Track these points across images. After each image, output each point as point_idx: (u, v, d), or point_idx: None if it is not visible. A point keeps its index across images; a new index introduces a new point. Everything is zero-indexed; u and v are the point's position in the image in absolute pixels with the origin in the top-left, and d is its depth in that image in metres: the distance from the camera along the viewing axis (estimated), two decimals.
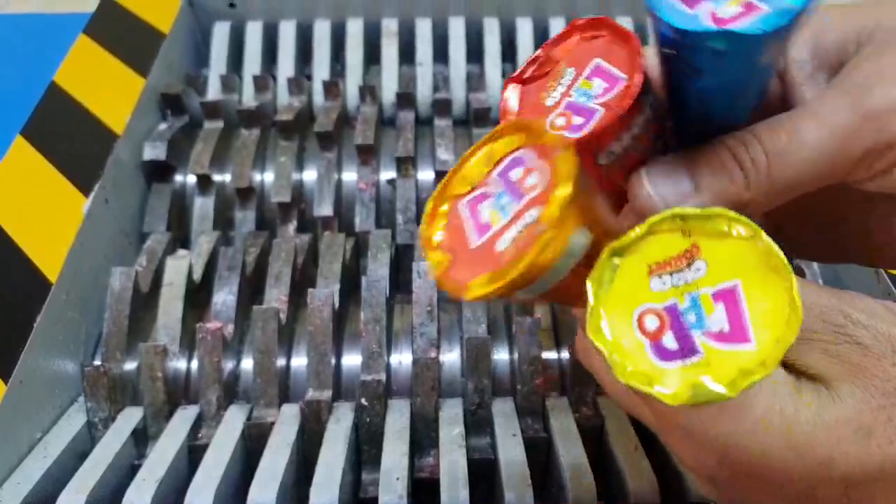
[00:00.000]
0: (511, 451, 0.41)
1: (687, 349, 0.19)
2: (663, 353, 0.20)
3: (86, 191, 0.51)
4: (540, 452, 0.43)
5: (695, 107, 0.24)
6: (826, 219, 0.30)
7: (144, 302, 0.49)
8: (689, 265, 0.20)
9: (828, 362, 0.23)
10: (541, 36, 0.70)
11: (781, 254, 0.19)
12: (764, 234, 0.19)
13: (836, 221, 0.30)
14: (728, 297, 0.19)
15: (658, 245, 0.20)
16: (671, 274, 0.20)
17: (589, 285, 0.21)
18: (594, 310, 0.21)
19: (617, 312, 0.20)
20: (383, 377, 0.45)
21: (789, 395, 0.23)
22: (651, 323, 0.20)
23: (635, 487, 0.39)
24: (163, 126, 0.61)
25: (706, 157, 0.24)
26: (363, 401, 0.44)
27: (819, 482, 0.23)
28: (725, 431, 0.23)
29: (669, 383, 0.19)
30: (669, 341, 0.20)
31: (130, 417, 0.45)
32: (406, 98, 0.64)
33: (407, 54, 0.70)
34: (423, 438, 0.45)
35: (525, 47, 0.69)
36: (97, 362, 0.47)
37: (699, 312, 0.20)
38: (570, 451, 0.41)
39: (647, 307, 0.20)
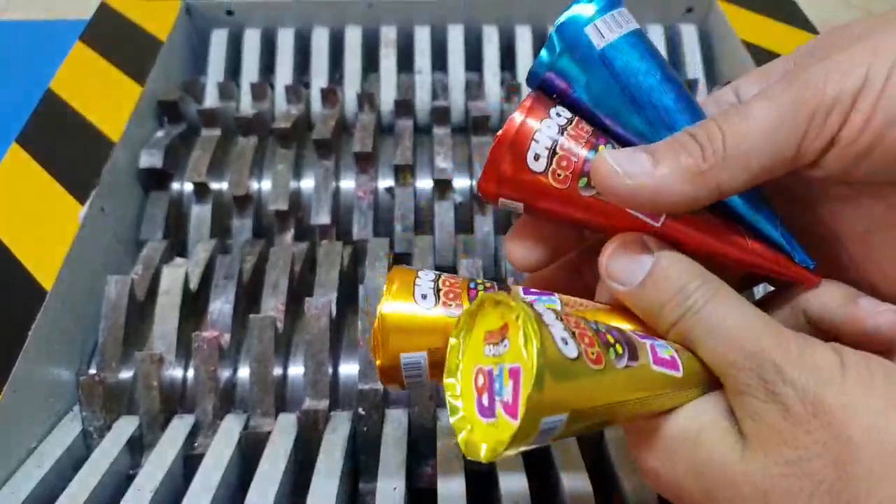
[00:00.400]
0: (509, 463, 0.41)
1: (491, 411, 0.23)
2: (481, 409, 0.23)
3: (82, 198, 0.51)
4: (539, 463, 0.43)
5: (601, 123, 0.28)
6: (815, 238, 0.30)
7: (140, 310, 0.49)
8: (502, 340, 0.23)
9: (748, 419, 0.24)
10: (540, 44, 0.70)
11: (535, 356, 0.21)
12: (533, 342, 0.21)
13: (826, 240, 0.29)
14: (515, 376, 0.22)
15: (491, 317, 0.24)
16: (493, 344, 0.24)
17: (452, 338, 0.25)
18: (453, 351, 0.25)
19: (467, 362, 0.25)
20: (381, 386, 0.44)
21: (720, 441, 0.24)
22: (480, 380, 0.24)
23: (632, 490, 0.39)
24: (160, 133, 0.61)
25: (665, 141, 0.26)
26: (361, 410, 0.44)
27: None
28: (656, 460, 0.26)
29: (475, 435, 0.23)
30: (485, 400, 0.23)
31: (126, 426, 0.45)
32: (404, 106, 0.64)
33: (406, 62, 0.70)
34: (421, 448, 0.45)
35: (524, 55, 0.69)
36: (93, 371, 0.47)
37: (501, 382, 0.23)
38: (569, 463, 0.41)
39: (479, 367, 0.24)
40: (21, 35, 0.89)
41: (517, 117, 0.27)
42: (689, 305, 0.25)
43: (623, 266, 0.26)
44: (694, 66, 0.70)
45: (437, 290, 0.29)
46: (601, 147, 0.27)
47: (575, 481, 0.40)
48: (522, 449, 0.23)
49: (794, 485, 0.22)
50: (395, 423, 0.44)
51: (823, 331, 0.27)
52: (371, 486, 0.45)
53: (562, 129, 0.27)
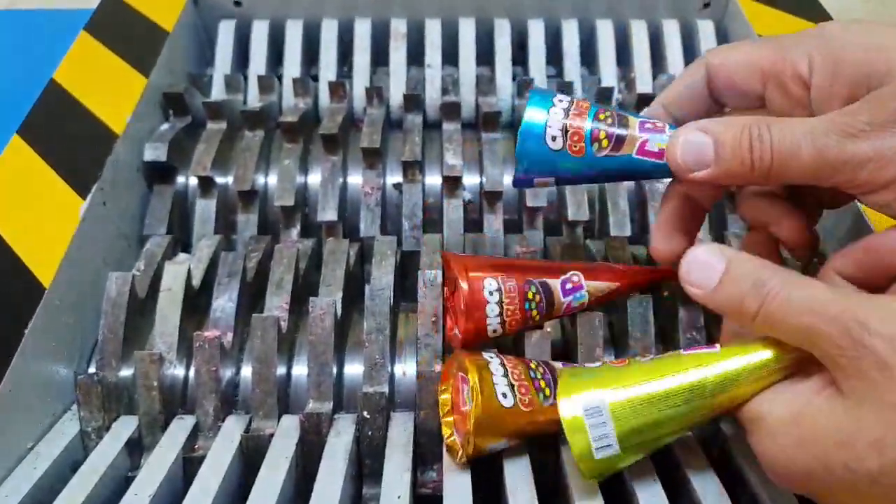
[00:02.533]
0: (518, 470, 0.40)
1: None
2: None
3: (83, 192, 0.49)
4: (548, 472, 0.42)
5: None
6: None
7: (142, 308, 0.47)
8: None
9: (846, 377, 0.26)
10: (552, 38, 0.69)
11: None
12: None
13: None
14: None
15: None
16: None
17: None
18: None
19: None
20: (386, 389, 0.43)
21: (821, 409, 0.27)
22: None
23: None
24: (165, 126, 0.60)
25: (730, 140, 0.31)
26: (365, 413, 0.43)
27: (847, 487, 0.26)
28: (756, 441, 0.30)
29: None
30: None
31: (125, 427, 0.44)
32: (413, 100, 0.62)
33: (415, 56, 0.68)
34: (426, 453, 0.44)
35: (536, 49, 0.68)
36: (92, 370, 0.46)
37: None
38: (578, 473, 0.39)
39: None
40: (27, 24, 0.88)
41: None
42: (767, 292, 0.28)
43: (700, 272, 0.31)
44: None
45: (512, 387, 0.39)
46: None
47: (584, 491, 0.39)
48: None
49: None
50: (401, 428, 0.43)
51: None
52: (375, 490, 0.43)
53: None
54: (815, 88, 0.32)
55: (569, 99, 0.35)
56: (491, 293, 0.42)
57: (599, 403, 0.31)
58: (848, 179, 0.29)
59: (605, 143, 0.33)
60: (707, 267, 0.30)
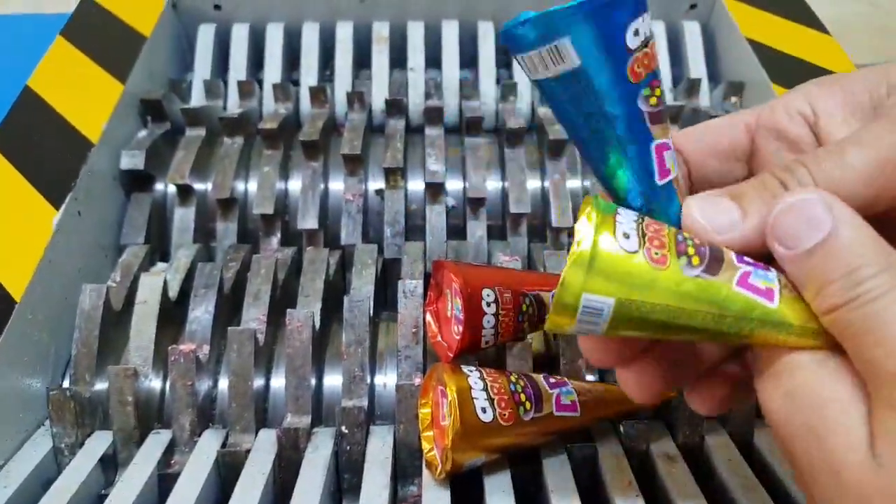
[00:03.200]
0: (498, 484, 0.39)
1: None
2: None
3: (57, 203, 0.49)
4: (529, 487, 0.41)
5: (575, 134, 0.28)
6: None
7: (117, 320, 0.47)
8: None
9: (890, 442, 0.21)
10: None
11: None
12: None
13: None
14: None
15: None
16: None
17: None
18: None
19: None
20: (365, 403, 0.43)
21: (850, 447, 0.21)
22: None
23: None
24: (142, 133, 0.59)
25: (752, 184, 0.25)
26: (343, 428, 0.42)
27: None
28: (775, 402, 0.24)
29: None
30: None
31: (99, 443, 0.43)
32: (396, 105, 0.61)
33: (398, 59, 0.68)
34: (406, 467, 0.43)
35: None
36: (66, 384, 0.45)
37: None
38: (560, 485, 0.39)
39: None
40: (6, 29, 0.87)
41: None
42: (860, 294, 0.21)
43: (794, 224, 0.23)
44: (696, 64, 0.67)
45: (492, 401, 0.38)
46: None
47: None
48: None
49: None
50: (380, 442, 0.42)
51: None
52: None
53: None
54: (824, 115, 0.27)
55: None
56: (488, 304, 0.41)
57: (603, 306, 0.24)
58: None
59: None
60: (807, 222, 0.23)
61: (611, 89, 0.25)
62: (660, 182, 0.27)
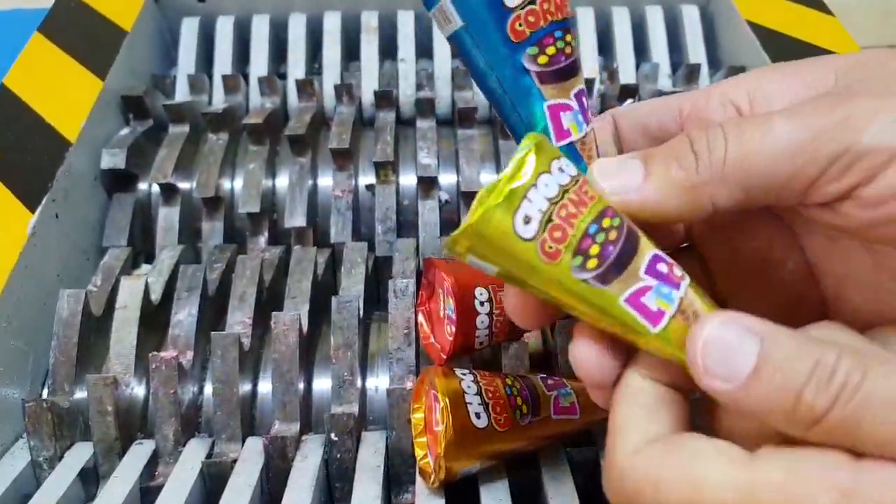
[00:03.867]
0: (495, 491, 0.37)
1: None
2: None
3: (33, 206, 0.47)
4: (527, 492, 0.39)
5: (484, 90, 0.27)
6: (763, 257, 0.26)
7: (97, 326, 0.45)
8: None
9: None
10: None
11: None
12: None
13: (775, 261, 0.26)
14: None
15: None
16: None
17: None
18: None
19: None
20: (355, 409, 0.41)
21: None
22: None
23: None
24: (124, 131, 0.57)
25: (662, 147, 0.23)
26: (333, 436, 0.40)
27: None
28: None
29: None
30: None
31: (79, 455, 0.41)
32: (385, 97, 0.59)
33: (388, 50, 0.66)
34: (400, 475, 0.41)
35: None
36: (45, 395, 0.43)
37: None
38: (561, 493, 0.37)
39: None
40: None
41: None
42: (842, 383, 0.18)
43: (720, 358, 0.20)
44: (696, 49, 0.65)
45: (486, 406, 0.36)
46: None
47: None
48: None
49: None
50: (372, 449, 0.41)
51: None
52: None
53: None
54: (761, 102, 0.25)
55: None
56: (482, 304, 0.39)
57: (488, 268, 0.22)
58: None
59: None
60: (730, 350, 0.20)
61: (492, 49, 0.25)
62: (556, 143, 0.26)
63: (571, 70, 0.26)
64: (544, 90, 0.26)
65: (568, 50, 0.26)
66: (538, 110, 0.26)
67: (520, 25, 0.24)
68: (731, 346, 0.20)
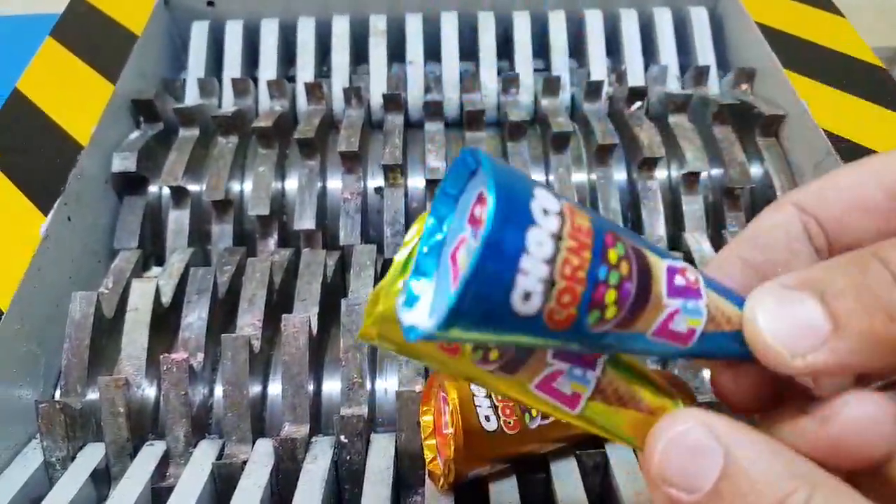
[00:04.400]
0: (505, 494, 0.37)
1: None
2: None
3: (45, 209, 0.47)
4: (537, 496, 0.40)
5: None
6: None
7: (109, 328, 0.45)
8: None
9: None
10: (539, 31, 0.66)
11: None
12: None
13: None
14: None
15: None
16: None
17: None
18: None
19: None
20: (364, 411, 0.41)
21: None
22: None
23: None
24: (135, 135, 0.57)
25: (850, 275, 0.18)
26: (343, 438, 0.40)
27: None
28: None
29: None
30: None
31: (92, 456, 0.42)
32: (394, 100, 0.59)
33: (397, 53, 0.66)
34: (409, 477, 0.41)
35: (522, 42, 0.65)
36: (57, 396, 0.44)
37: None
38: (571, 497, 0.37)
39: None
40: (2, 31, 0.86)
41: None
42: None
43: (681, 465, 0.18)
44: (704, 51, 0.65)
45: (495, 408, 0.36)
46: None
47: None
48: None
49: None
50: (381, 452, 0.41)
51: None
52: None
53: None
54: None
55: (557, 206, 0.17)
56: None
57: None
58: None
59: (610, 312, 0.18)
60: (694, 455, 0.18)
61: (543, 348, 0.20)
62: (688, 346, 0.20)
63: (645, 281, 0.19)
64: (636, 328, 0.19)
65: (625, 271, 0.18)
66: (651, 346, 0.20)
67: (558, 314, 0.17)
68: (694, 451, 0.18)
